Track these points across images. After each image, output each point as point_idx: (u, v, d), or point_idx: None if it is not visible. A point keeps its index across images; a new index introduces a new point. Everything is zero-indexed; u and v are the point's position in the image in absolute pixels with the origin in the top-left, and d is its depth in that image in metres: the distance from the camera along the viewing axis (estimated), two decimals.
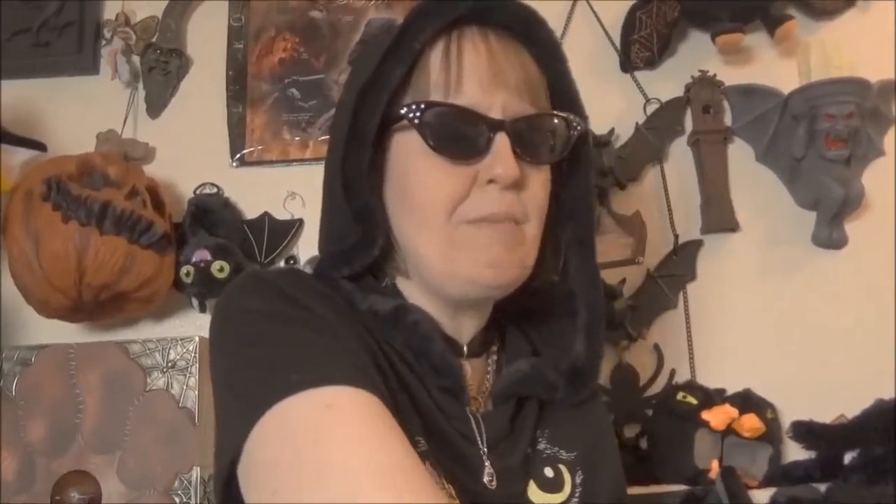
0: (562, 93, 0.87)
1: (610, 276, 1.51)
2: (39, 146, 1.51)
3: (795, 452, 1.43)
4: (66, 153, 1.49)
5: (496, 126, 0.79)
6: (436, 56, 0.82)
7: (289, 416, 0.65)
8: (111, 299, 1.40)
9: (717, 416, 1.36)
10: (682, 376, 1.49)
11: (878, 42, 1.58)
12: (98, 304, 1.40)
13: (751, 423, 1.36)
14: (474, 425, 0.83)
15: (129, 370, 1.39)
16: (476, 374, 0.89)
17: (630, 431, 1.48)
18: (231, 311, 0.77)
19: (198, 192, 1.58)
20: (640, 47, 1.59)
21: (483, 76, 0.80)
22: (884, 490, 1.27)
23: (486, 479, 0.81)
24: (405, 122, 0.80)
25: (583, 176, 0.90)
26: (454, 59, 0.81)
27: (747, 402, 1.40)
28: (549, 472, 0.87)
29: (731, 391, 1.44)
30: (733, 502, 1.27)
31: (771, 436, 1.38)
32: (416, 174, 0.82)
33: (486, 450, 0.82)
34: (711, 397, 1.41)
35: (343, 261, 0.86)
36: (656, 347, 1.51)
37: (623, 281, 1.51)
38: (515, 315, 0.96)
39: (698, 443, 1.37)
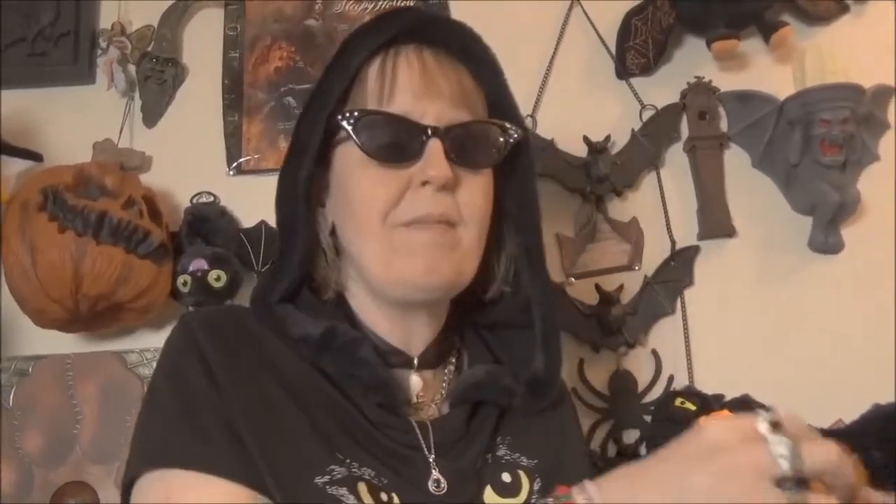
0: (500, 105, 0.92)
1: (607, 283, 1.52)
2: (35, 156, 1.51)
3: None
4: (63, 163, 1.49)
5: (428, 131, 0.83)
6: (372, 71, 0.87)
7: (145, 492, 0.77)
8: (108, 309, 1.40)
9: None
10: (681, 382, 1.49)
11: (873, 47, 1.58)
12: (95, 314, 1.40)
13: None
14: (419, 433, 0.85)
15: (127, 380, 1.39)
16: (431, 384, 0.92)
17: (629, 438, 1.48)
18: (161, 354, 0.86)
19: (194, 200, 1.58)
20: (635, 54, 1.60)
21: (416, 87, 0.85)
22: (883, 494, 1.27)
23: (431, 485, 0.82)
24: (344, 133, 0.85)
25: (525, 184, 0.93)
26: (388, 73, 0.86)
27: (745, 407, 1.40)
28: (506, 476, 0.88)
29: (729, 397, 1.44)
30: None
31: None
32: (353, 181, 0.86)
33: (433, 456, 0.84)
34: (709, 403, 1.41)
35: (274, 279, 0.90)
36: (654, 353, 1.51)
37: (620, 287, 1.52)
38: (476, 325, 0.98)
39: None
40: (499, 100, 0.92)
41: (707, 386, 1.47)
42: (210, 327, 0.84)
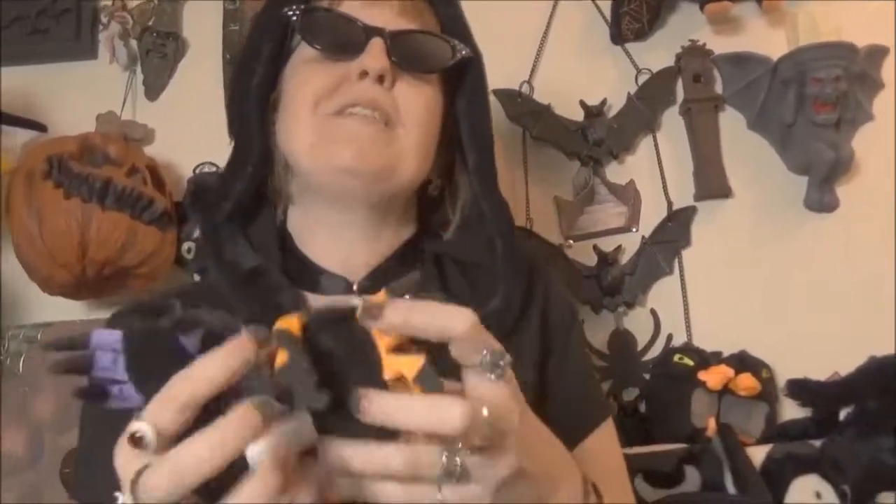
0: (452, 31, 0.91)
1: (606, 244, 1.54)
2: (40, 127, 1.53)
3: (791, 412, 1.45)
4: None
5: (372, 31, 0.84)
6: None
7: None
8: (114, 275, 1.42)
9: (714, 376, 1.38)
10: (679, 340, 1.51)
11: (866, 7, 1.59)
12: (101, 280, 1.42)
13: (747, 382, 1.38)
14: None
15: None
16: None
17: (628, 395, 1.50)
18: None
19: (197, 171, 1.60)
20: (630, 19, 1.61)
21: None
22: (878, 443, 1.29)
23: None
24: (296, 41, 0.87)
25: (477, 104, 0.92)
26: None
27: (743, 362, 1.42)
28: None
29: (726, 353, 1.46)
30: (731, 458, 1.29)
31: (767, 395, 1.41)
32: (295, 77, 0.87)
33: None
34: (707, 359, 1.43)
35: (223, 190, 0.90)
36: (653, 313, 1.53)
37: (619, 249, 1.54)
38: (443, 258, 0.94)
39: (695, 403, 1.39)
40: (452, 27, 0.91)
41: (705, 344, 1.49)
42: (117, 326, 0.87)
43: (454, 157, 0.95)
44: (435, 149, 0.90)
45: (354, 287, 0.88)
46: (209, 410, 0.52)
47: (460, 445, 0.53)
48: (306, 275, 0.89)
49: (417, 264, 0.93)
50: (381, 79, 0.83)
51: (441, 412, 0.52)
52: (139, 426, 0.51)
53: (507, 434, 0.56)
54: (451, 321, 0.54)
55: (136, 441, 0.51)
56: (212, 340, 0.53)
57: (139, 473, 0.51)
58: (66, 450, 1.42)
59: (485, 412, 0.53)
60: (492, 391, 0.55)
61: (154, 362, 0.53)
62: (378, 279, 0.89)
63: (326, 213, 0.88)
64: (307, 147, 0.84)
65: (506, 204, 0.92)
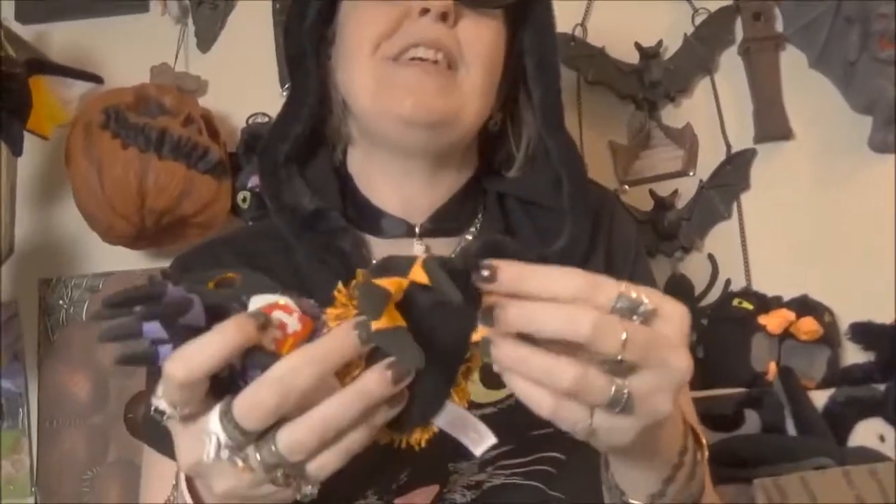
0: None
1: (662, 189, 1.52)
2: (95, 78, 1.54)
3: (854, 356, 1.42)
4: None
5: None
6: None
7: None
8: (172, 224, 1.44)
9: (775, 320, 1.36)
10: (738, 286, 1.48)
11: None
12: (160, 229, 1.43)
13: (808, 326, 1.36)
14: None
15: None
16: (440, 254, 0.86)
17: None
18: None
19: (250, 121, 1.61)
20: None
21: None
22: None
23: None
24: None
25: (544, 39, 0.89)
26: None
27: (804, 306, 1.40)
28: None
29: (787, 298, 1.44)
30: (793, 401, 1.27)
31: (829, 338, 1.38)
32: (351, 14, 0.85)
33: None
34: (768, 303, 1.41)
35: (280, 131, 0.88)
36: (710, 258, 1.50)
37: (675, 193, 1.51)
38: (505, 198, 0.93)
39: (755, 347, 1.37)
40: None
41: (764, 289, 1.47)
42: (180, 268, 0.88)
43: (517, 92, 0.93)
44: (498, 85, 0.88)
45: (417, 230, 0.87)
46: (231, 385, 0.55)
47: (619, 358, 0.52)
48: (367, 217, 0.89)
49: (479, 204, 0.92)
50: (443, 16, 0.80)
51: (573, 315, 0.51)
52: (156, 402, 0.55)
53: (672, 372, 0.54)
54: (563, 280, 0.53)
55: (160, 414, 0.55)
56: (218, 313, 0.54)
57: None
58: (130, 395, 1.45)
59: (623, 335, 0.52)
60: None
61: (182, 336, 0.54)
62: (440, 221, 0.88)
63: (387, 158, 0.87)
64: (368, 93, 0.82)
65: (573, 142, 0.90)
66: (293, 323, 0.55)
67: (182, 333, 0.53)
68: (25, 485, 1.53)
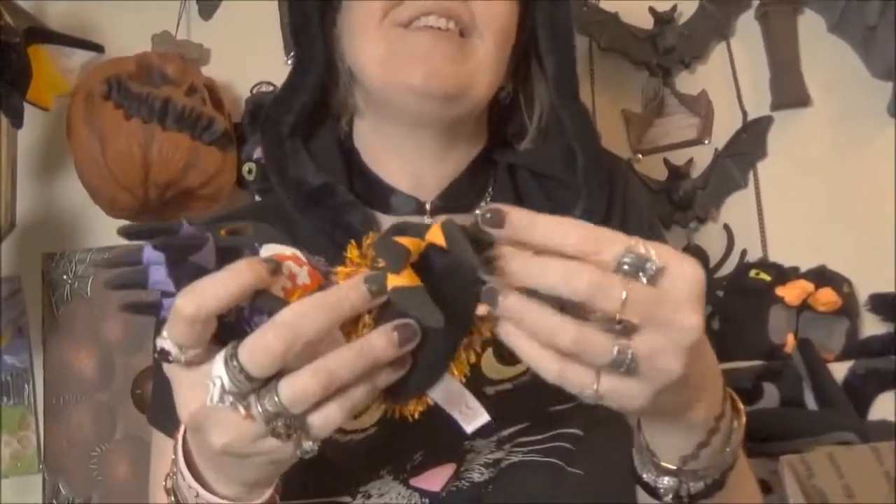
0: None
1: (676, 158, 1.48)
2: (96, 47, 1.51)
3: (873, 327, 1.39)
4: None
5: None
6: None
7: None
8: (177, 197, 1.41)
9: (792, 291, 1.33)
10: (754, 256, 1.45)
11: None
12: (164, 202, 1.41)
13: (827, 297, 1.33)
14: None
15: None
16: None
17: None
18: None
19: (254, 90, 1.57)
20: None
21: None
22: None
23: None
24: None
25: (558, 8, 0.86)
26: None
27: (822, 277, 1.37)
28: None
29: (804, 269, 1.41)
30: (812, 374, 1.25)
31: (848, 310, 1.35)
32: None
33: None
34: (785, 273, 1.38)
35: (284, 102, 0.86)
36: (726, 228, 1.47)
37: (690, 162, 1.48)
38: (517, 169, 0.91)
39: (773, 319, 1.35)
40: None
41: (781, 260, 1.43)
42: None
43: (529, 63, 0.90)
44: (510, 55, 0.85)
45: (427, 206, 0.85)
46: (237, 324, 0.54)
47: (618, 317, 0.50)
48: (376, 194, 0.87)
49: (490, 178, 0.90)
50: None
51: (571, 270, 0.50)
52: (161, 342, 0.53)
53: (678, 331, 0.52)
54: (569, 230, 0.52)
55: (165, 355, 0.53)
56: (228, 257, 0.54)
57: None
58: (137, 371, 1.44)
59: (623, 294, 0.50)
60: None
61: (190, 277, 0.54)
62: (451, 198, 0.86)
63: (395, 131, 0.85)
64: (376, 62, 0.80)
65: (587, 112, 0.88)
66: (303, 275, 0.55)
67: (190, 273, 0.53)
68: (33, 462, 1.52)
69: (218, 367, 0.53)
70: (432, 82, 0.77)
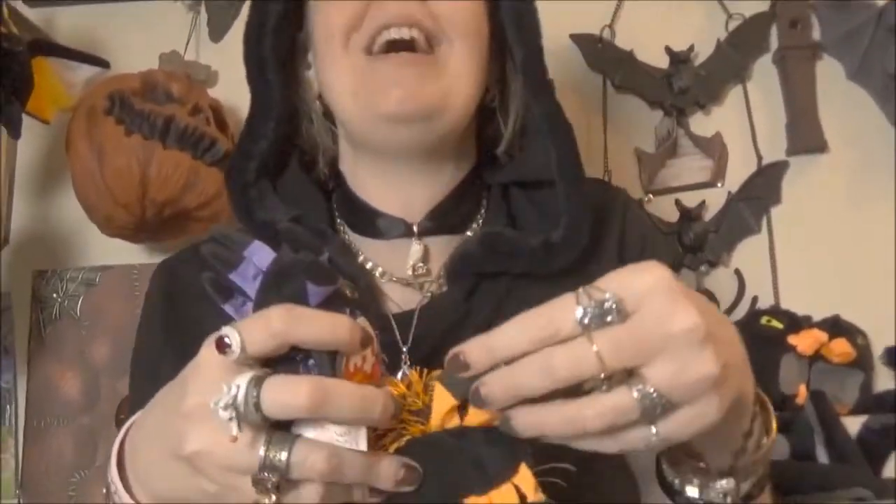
0: None
1: (689, 200, 1.45)
2: (102, 62, 1.48)
3: (887, 381, 1.35)
4: None
5: None
6: None
7: None
8: (174, 217, 1.37)
9: (805, 341, 1.29)
10: (765, 303, 1.41)
11: None
12: (161, 222, 1.37)
13: (841, 348, 1.29)
14: (394, 324, 0.77)
15: None
16: (442, 253, 0.82)
17: None
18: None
19: None
20: None
21: None
22: None
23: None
24: None
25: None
26: None
27: (836, 327, 1.33)
28: None
29: (817, 318, 1.37)
30: (825, 427, 1.20)
31: (862, 362, 1.31)
32: (318, 14, 0.80)
33: (406, 348, 0.76)
34: (798, 322, 1.34)
35: (245, 149, 0.84)
36: (737, 273, 1.43)
37: (702, 204, 1.44)
38: (506, 185, 0.87)
39: (784, 368, 1.30)
40: None
41: (793, 308, 1.39)
42: (167, 273, 0.88)
43: (505, 63, 0.87)
44: (487, 59, 0.82)
45: (415, 229, 0.82)
46: (288, 362, 0.55)
47: (603, 376, 0.49)
48: (363, 218, 0.84)
49: (482, 199, 0.87)
50: None
51: (542, 366, 0.51)
52: (229, 331, 0.52)
53: (678, 338, 0.49)
54: (518, 332, 0.52)
55: (221, 345, 0.52)
56: (334, 301, 0.57)
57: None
58: (122, 395, 1.39)
59: (594, 349, 0.49)
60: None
61: (278, 297, 0.55)
62: (439, 218, 0.83)
63: (375, 161, 0.83)
64: (347, 95, 0.77)
65: (558, 106, 0.83)
66: (369, 364, 0.56)
67: (286, 294, 0.55)
68: (9, 486, 1.46)
69: (242, 379, 0.52)
70: (407, 106, 0.74)
